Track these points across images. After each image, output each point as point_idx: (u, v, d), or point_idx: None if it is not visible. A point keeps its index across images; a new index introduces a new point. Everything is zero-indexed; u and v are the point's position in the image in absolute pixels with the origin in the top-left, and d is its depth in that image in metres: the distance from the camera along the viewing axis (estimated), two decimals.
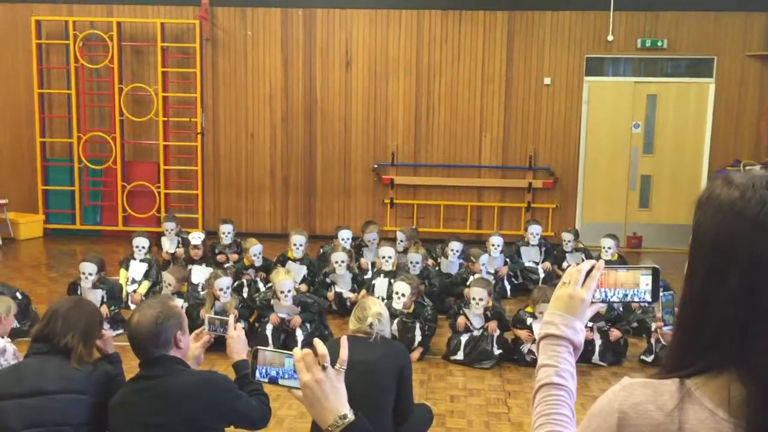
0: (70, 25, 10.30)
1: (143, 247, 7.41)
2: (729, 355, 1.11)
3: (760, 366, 1.08)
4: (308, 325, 6.03)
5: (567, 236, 8.14)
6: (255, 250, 7.39)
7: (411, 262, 7.08)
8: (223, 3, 10.47)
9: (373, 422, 1.51)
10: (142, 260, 7.40)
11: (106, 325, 6.26)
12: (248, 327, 6.06)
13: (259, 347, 1.52)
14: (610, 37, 10.13)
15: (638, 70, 10.48)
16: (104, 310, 6.34)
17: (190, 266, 7.32)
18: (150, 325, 2.82)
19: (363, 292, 6.73)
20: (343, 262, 7.02)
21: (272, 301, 6.05)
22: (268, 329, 5.96)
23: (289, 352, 1.47)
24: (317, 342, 1.45)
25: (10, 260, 9.47)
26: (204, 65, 10.50)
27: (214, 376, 2.96)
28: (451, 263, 7.71)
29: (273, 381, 1.49)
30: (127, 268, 7.42)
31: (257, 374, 1.50)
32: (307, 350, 1.43)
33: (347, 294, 6.96)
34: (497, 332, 5.89)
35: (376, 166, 10.58)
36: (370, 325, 3.65)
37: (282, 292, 5.93)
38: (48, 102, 10.81)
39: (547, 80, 10.32)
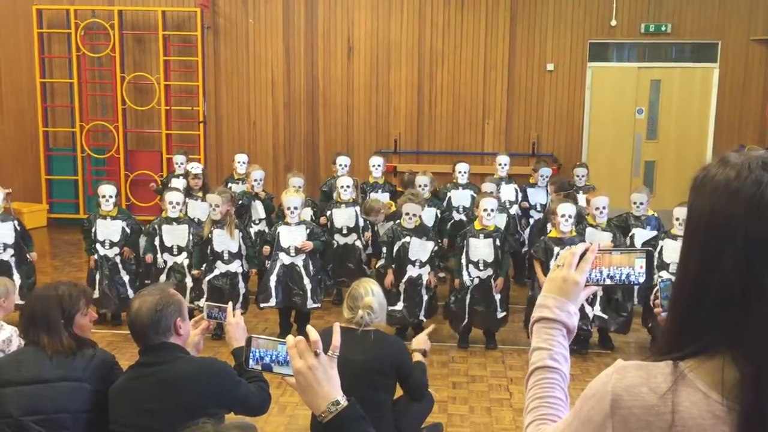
0: (72, 14, 10.28)
1: (177, 203, 6.34)
2: (723, 337, 1.10)
3: (754, 348, 1.07)
4: (312, 269, 6.06)
5: (580, 171, 8.05)
6: (256, 175, 7.35)
7: (420, 185, 7.11)
8: None
9: (370, 420, 1.51)
10: (179, 221, 6.31)
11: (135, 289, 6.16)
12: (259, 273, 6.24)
13: (252, 335, 1.52)
14: (613, 22, 10.06)
15: (642, 55, 10.41)
16: (127, 252, 6.33)
17: (187, 199, 7.10)
18: (150, 312, 2.82)
19: (368, 234, 6.99)
20: (348, 186, 6.97)
21: (280, 227, 6.07)
22: (272, 281, 5.98)
23: (282, 340, 1.48)
24: (309, 329, 1.45)
25: None
26: (206, 53, 10.47)
27: (214, 363, 2.96)
28: (461, 192, 7.66)
29: (266, 368, 1.49)
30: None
31: (251, 362, 1.50)
32: (299, 337, 1.43)
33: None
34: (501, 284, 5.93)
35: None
36: (361, 318, 3.58)
37: (289, 209, 6.03)
38: (50, 91, 10.80)
39: (550, 66, 10.26)
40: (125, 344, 5.60)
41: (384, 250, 6.21)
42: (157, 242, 6.33)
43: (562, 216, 5.68)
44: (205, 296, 5.94)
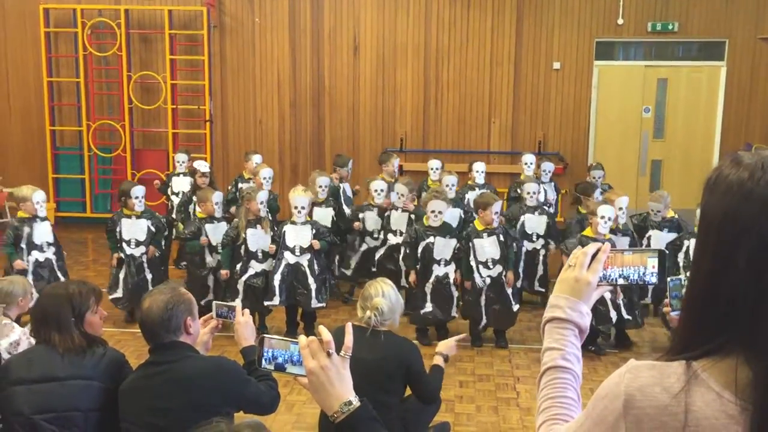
0: (78, 13, 10.31)
1: (220, 203, 6.57)
2: (736, 337, 1.10)
3: (767, 347, 1.07)
4: (317, 268, 6.07)
5: (597, 173, 8.06)
6: (265, 173, 7.36)
7: (447, 185, 7.07)
8: None
9: None
10: (219, 220, 6.48)
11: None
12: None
13: (265, 335, 1.53)
14: (620, 21, 10.04)
15: (649, 53, 10.39)
16: (152, 251, 6.42)
17: (194, 198, 7.24)
18: (160, 311, 2.83)
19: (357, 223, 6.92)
20: (382, 190, 6.91)
21: (286, 226, 6.06)
22: (276, 279, 6.00)
23: (295, 340, 1.48)
24: (322, 329, 1.46)
25: None
26: (212, 52, 10.49)
27: (224, 361, 2.97)
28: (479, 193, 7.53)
29: (279, 368, 1.50)
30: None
31: (264, 362, 1.50)
32: (312, 337, 1.44)
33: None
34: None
35: (384, 152, 10.55)
36: (369, 318, 3.57)
37: (296, 208, 6.03)
38: (57, 90, 10.83)
39: (556, 65, 10.25)
40: (133, 342, 5.62)
41: (403, 249, 6.19)
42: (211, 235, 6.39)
43: (602, 218, 5.68)
44: (240, 296, 5.98)
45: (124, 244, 6.37)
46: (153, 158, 10.69)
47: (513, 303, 5.96)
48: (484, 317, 5.93)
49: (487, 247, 5.88)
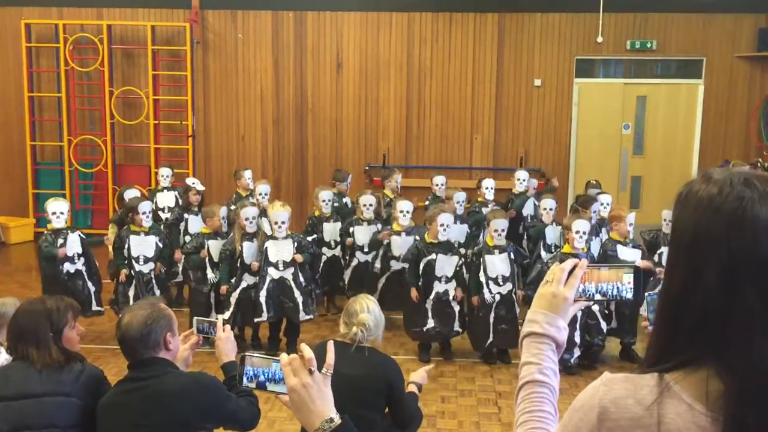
0: (60, 29, 10.28)
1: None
2: (707, 350, 1.12)
3: (737, 360, 1.09)
4: (302, 281, 6.06)
5: (595, 191, 8.09)
6: (262, 189, 7.39)
7: (458, 202, 7.19)
8: (214, 6, 10.47)
9: None
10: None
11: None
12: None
13: (246, 353, 1.53)
14: (599, 39, 10.18)
15: (628, 71, 10.53)
16: (159, 267, 6.38)
17: (186, 215, 7.29)
18: (139, 326, 2.81)
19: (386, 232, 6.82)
20: (371, 205, 6.87)
21: (267, 242, 6.03)
22: (262, 296, 5.99)
23: (276, 358, 1.48)
24: (304, 347, 1.46)
25: (1, 264, 9.43)
26: (195, 68, 10.50)
27: (204, 377, 2.95)
28: (490, 208, 7.44)
29: (260, 386, 1.49)
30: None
31: (245, 380, 1.50)
32: (293, 355, 1.44)
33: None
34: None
35: (367, 168, 10.59)
36: (355, 334, 3.57)
37: (276, 223, 6.01)
38: (38, 105, 10.78)
39: (537, 82, 10.35)
40: (112, 359, 5.58)
41: (407, 266, 6.17)
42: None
43: (576, 232, 5.65)
44: (231, 309, 5.97)
45: (133, 261, 6.28)
46: (135, 173, 10.63)
47: (519, 321, 6.00)
48: (492, 335, 5.93)
49: (498, 264, 5.92)
